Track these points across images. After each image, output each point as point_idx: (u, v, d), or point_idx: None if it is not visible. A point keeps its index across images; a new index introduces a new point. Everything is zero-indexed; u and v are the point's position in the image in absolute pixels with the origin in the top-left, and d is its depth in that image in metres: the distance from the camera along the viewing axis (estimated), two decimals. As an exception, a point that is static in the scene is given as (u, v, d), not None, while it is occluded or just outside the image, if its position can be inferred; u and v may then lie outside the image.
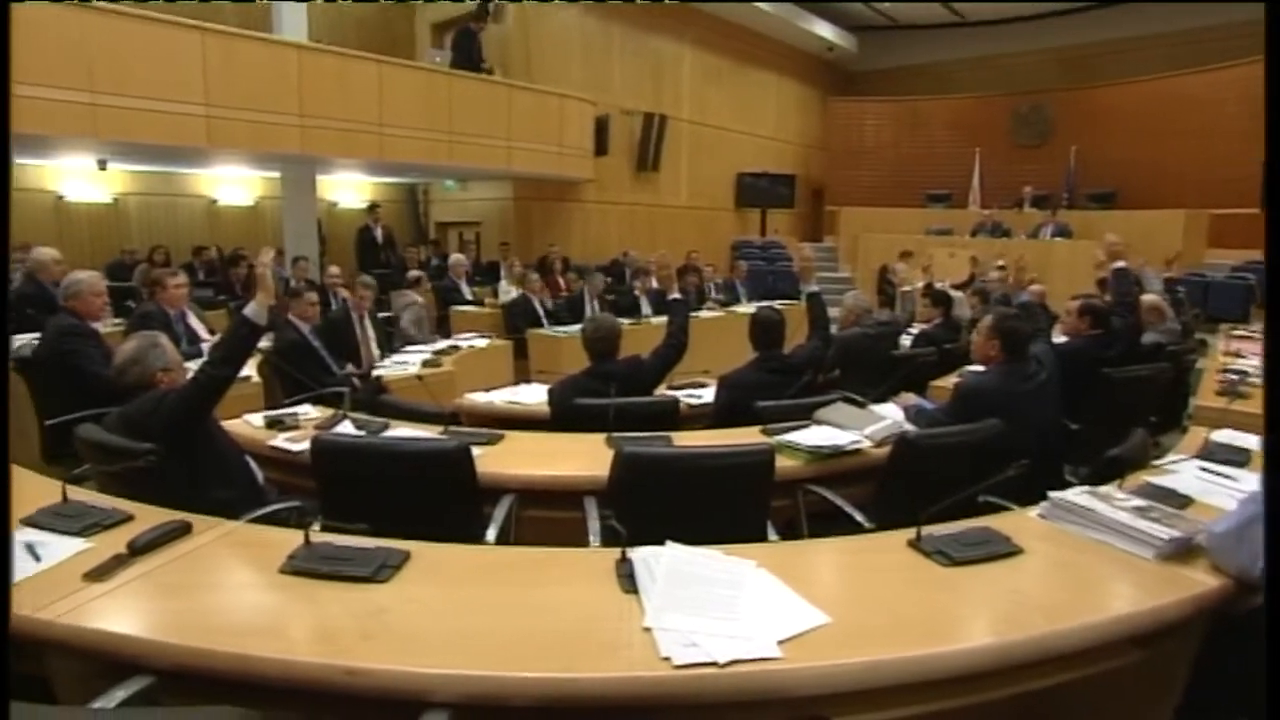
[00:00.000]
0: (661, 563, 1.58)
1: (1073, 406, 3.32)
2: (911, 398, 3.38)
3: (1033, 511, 2.03)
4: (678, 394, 3.49)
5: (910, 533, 1.83)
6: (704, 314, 7.93)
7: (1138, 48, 12.63)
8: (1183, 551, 1.71)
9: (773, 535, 2.32)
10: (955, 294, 6.10)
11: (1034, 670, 1.45)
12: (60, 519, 1.86)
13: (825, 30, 14.18)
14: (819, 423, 2.90)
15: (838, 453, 2.66)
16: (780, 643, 1.38)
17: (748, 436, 2.83)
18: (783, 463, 2.47)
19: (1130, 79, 12.21)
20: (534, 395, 3.60)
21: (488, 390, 3.68)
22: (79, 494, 2.00)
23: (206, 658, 1.34)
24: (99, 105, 6.16)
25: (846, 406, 3.02)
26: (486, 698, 1.28)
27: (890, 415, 3.03)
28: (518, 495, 2.39)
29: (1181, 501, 2.04)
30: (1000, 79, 14.05)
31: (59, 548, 1.73)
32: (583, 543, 2.24)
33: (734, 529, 2.02)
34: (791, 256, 12.64)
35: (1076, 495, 1.96)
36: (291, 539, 1.76)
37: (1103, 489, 2.02)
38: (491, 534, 2.19)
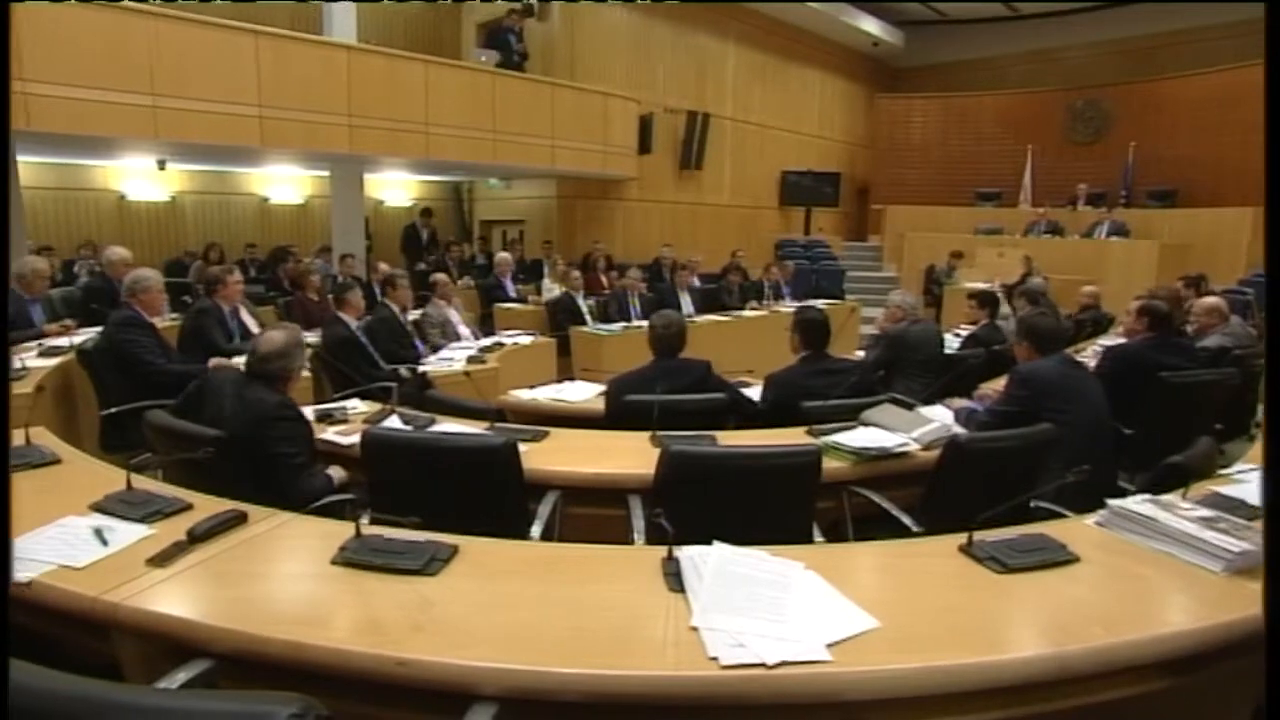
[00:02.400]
0: (709, 562, 1.57)
1: (1126, 410, 3.22)
2: (961, 401, 3.32)
3: (1090, 519, 1.96)
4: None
5: (961, 538, 1.79)
6: (747, 313, 7.89)
7: (1202, 38, 12.16)
8: (1254, 565, 1.64)
9: (818, 537, 2.30)
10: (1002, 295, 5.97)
11: (1093, 683, 1.41)
12: (125, 505, 1.93)
13: (871, 26, 13.98)
14: (866, 424, 2.86)
15: (885, 455, 2.62)
16: (829, 646, 1.36)
17: (793, 437, 2.80)
18: (828, 464, 2.44)
19: (1194, 71, 11.76)
20: (578, 392, 3.62)
21: (532, 387, 3.71)
22: (142, 482, 2.07)
23: (263, 644, 1.38)
24: (159, 107, 6.38)
25: (894, 408, 2.97)
26: (533, 692, 1.29)
27: (938, 418, 2.97)
28: (562, 492, 2.41)
29: (1251, 512, 1.96)
30: (1054, 73, 13.67)
31: (124, 533, 1.79)
32: (626, 540, 2.25)
33: (779, 530, 2.00)
34: (835, 255, 12.51)
35: (1137, 503, 1.89)
36: (342, 530, 1.79)
37: (1165, 498, 1.95)
38: (536, 530, 2.21)
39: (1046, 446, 2.51)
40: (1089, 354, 4.59)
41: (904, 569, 1.76)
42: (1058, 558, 1.71)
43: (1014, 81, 14.11)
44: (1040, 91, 13.52)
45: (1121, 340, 3.78)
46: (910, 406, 3.07)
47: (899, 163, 14.50)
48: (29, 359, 3.92)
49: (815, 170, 13.70)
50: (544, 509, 2.31)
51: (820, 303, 8.23)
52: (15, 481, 2.21)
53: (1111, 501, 1.93)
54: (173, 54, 6.41)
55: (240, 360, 2.69)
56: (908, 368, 4.18)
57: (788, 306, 8.34)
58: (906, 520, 2.40)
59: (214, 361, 3.81)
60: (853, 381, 3.24)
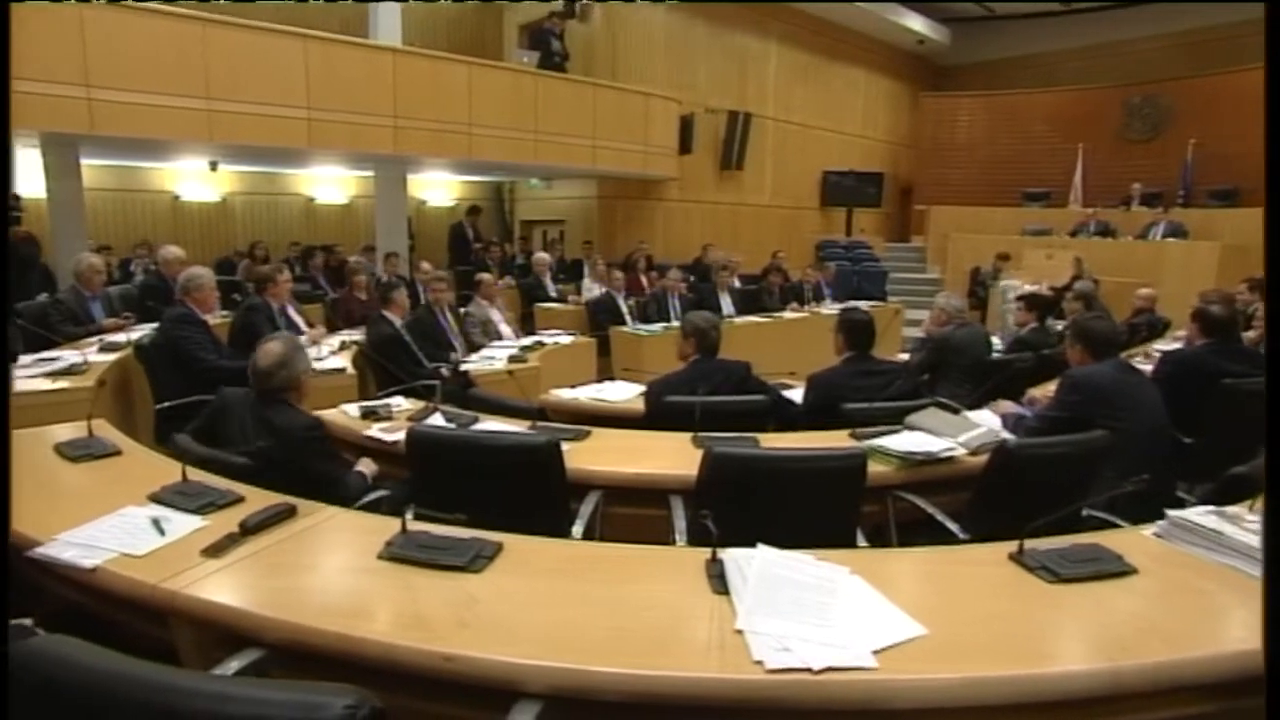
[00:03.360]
0: (753, 565, 1.57)
1: (1185, 418, 3.12)
2: (1009, 405, 3.25)
3: (1147, 530, 1.90)
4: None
5: (1010, 545, 1.75)
6: (787, 315, 7.84)
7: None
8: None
9: (861, 541, 2.27)
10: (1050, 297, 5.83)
11: (1149, 701, 1.36)
12: (181, 497, 1.99)
13: (916, 23, 13.75)
14: (911, 428, 2.82)
15: (931, 460, 2.58)
16: (875, 653, 1.34)
17: (835, 440, 2.78)
18: (872, 468, 2.40)
19: (1259, 64, 11.25)
20: (619, 392, 3.63)
21: (573, 387, 3.73)
22: (196, 474, 2.14)
23: (313, 636, 1.41)
24: (213, 111, 6.58)
25: (940, 412, 2.92)
26: (578, 690, 1.30)
27: (986, 423, 2.92)
28: (604, 491, 2.42)
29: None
30: (1108, 69, 13.27)
31: (180, 524, 1.86)
32: (667, 541, 2.25)
33: (822, 533, 1.98)
34: (877, 257, 12.34)
35: (1200, 515, 1.83)
36: (389, 526, 1.83)
37: (1230, 509, 1.88)
38: (578, 529, 2.22)
39: (1100, 454, 2.44)
40: (1144, 359, 4.45)
41: (951, 576, 1.73)
42: (1113, 569, 1.66)
43: (1065, 78, 13.73)
44: (1093, 88, 13.13)
45: (1180, 345, 3.65)
46: (956, 410, 3.01)
47: (943, 162, 14.25)
48: (90, 354, 4.07)
49: (858, 170, 13.53)
50: (585, 508, 2.32)
51: (862, 304, 8.15)
52: (79, 471, 2.31)
53: (1171, 512, 1.87)
54: (226, 59, 6.61)
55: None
56: (953, 371, 4.10)
57: (829, 308, 8.26)
58: (953, 527, 2.36)
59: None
60: (897, 384, 3.19)
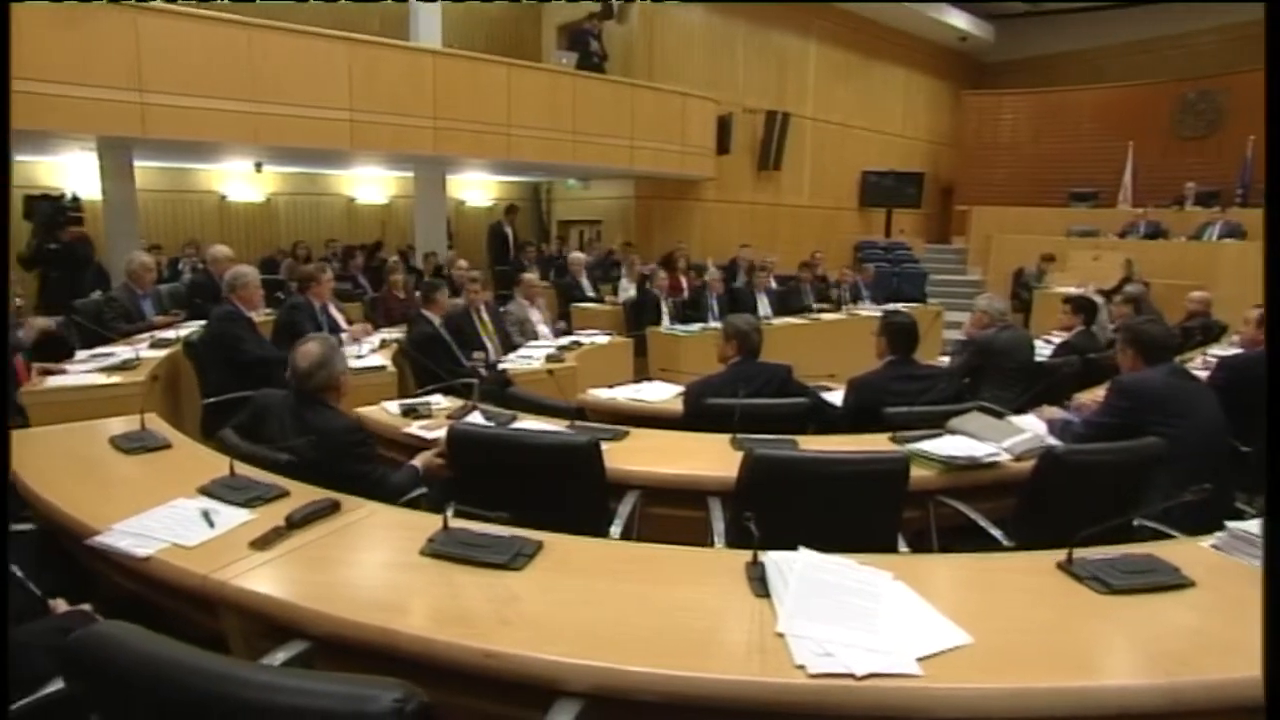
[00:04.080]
0: (794, 568, 1.55)
1: (1244, 426, 3.01)
2: (1055, 411, 3.17)
3: (1204, 542, 1.84)
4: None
5: (1059, 554, 1.71)
6: (825, 316, 7.77)
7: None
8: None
9: (903, 546, 2.24)
10: (1097, 300, 5.67)
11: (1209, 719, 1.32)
12: (229, 490, 2.05)
13: (959, 20, 13.53)
14: (953, 432, 2.77)
15: (974, 465, 2.53)
16: (920, 660, 1.32)
17: (876, 444, 2.74)
18: (914, 472, 2.36)
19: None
20: (656, 393, 3.63)
21: (610, 387, 3.74)
22: (243, 469, 2.19)
23: (357, 629, 1.44)
24: (260, 114, 6.75)
25: (983, 417, 2.87)
26: (618, 690, 1.30)
27: (1031, 428, 2.85)
28: (642, 491, 2.41)
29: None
30: (1160, 64, 12.88)
31: (228, 516, 1.90)
32: (705, 542, 2.25)
33: (863, 538, 1.95)
34: (917, 258, 12.16)
35: (1261, 526, 1.76)
36: (430, 522, 1.85)
37: (1293, 521, 1.80)
38: (616, 529, 2.22)
39: (1153, 462, 2.37)
40: (1199, 364, 4.32)
41: (997, 584, 1.69)
42: (1169, 581, 1.61)
43: (1113, 74, 13.37)
44: (1144, 84, 12.75)
45: (1238, 350, 3.52)
46: (1000, 415, 2.95)
47: (986, 162, 13.98)
48: (141, 350, 4.20)
49: (897, 170, 13.35)
50: (624, 508, 2.32)
51: (901, 306, 8.04)
52: (133, 463, 2.39)
53: (1230, 524, 1.81)
54: (272, 63, 6.77)
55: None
56: (996, 375, 4.02)
57: (868, 310, 8.17)
58: (996, 533, 2.32)
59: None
60: (940, 388, 3.14)
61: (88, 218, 7.35)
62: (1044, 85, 13.83)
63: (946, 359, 4.79)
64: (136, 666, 0.96)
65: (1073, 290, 6.86)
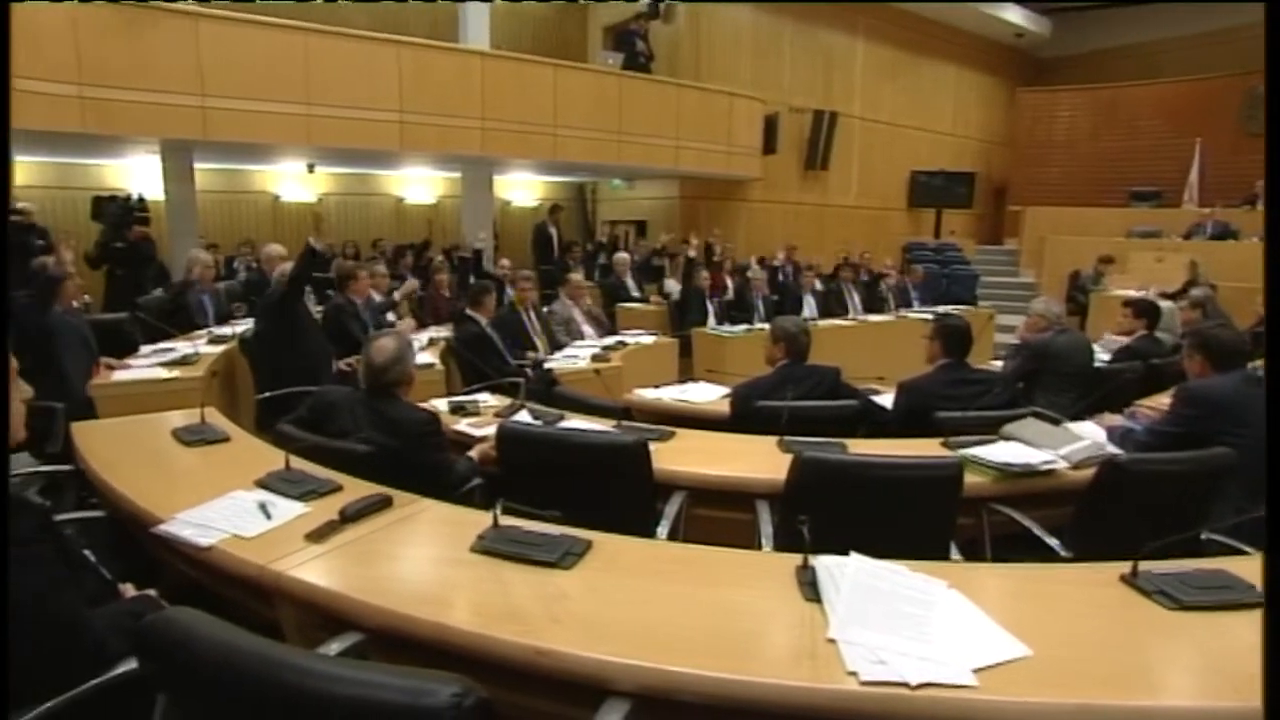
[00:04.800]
0: (846, 573, 1.53)
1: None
2: (1115, 418, 3.07)
3: (1281, 557, 1.76)
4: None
5: (1122, 566, 1.65)
6: (873, 318, 7.67)
7: None
8: None
9: (955, 554, 2.19)
10: (1165, 304, 5.47)
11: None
12: (285, 483, 2.10)
13: (1013, 14, 13.20)
14: (1007, 438, 2.71)
15: (1029, 472, 2.46)
16: (976, 671, 1.29)
17: (927, 448, 2.69)
18: (966, 479, 2.31)
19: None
20: (702, 394, 3.63)
21: (656, 387, 3.74)
22: (297, 463, 2.25)
23: (410, 623, 1.46)
24: (312, 115, 6.94)
25: (1038, 423, 2.79)
26: (668, 691, 1.29)
27: (1089, 435, 2.77)
28: (688, 493, 2.41)
29: None
30: (1227, 56, 12.33)
31: (284, 509, 1.95)
32: (752, 544, 2.23)
33: (915, 544, 1.92)
34: (968, 260, 11.90)
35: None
36: (479, 519, 1.88)
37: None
38: (663, 530, 2.23)
39: (1222, 472, 2.28)
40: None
41: (1056, 595, 1.64)
42: (1244, 599, 1.54)
43: (1176, 68, 12.87)
44: (1210, 77, 12.26)
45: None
46: (1056, 422, 2.87)
47: (1041, 161, 13.60)
48: (200, 345, 4.34)
49: (948, 170, 13.10)
50: (670, 509, 2.32)
51: (951, 309, 7.88)
52: (193, 455, 2.47)
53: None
54: (325, 66, 6.96)
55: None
56: (1052, 380, 3.91)
57: (917, 313, 8.03)
58: (1053, 543, 2.26)
59: None
60: (994, 393, 3.07)
61: (151, 218, 7.62)
62: (1102, 81, 13.40)
63: (999, 363, 4.68)
64: (206, 651, 1.00)
65: (1133, 293, 6.62)
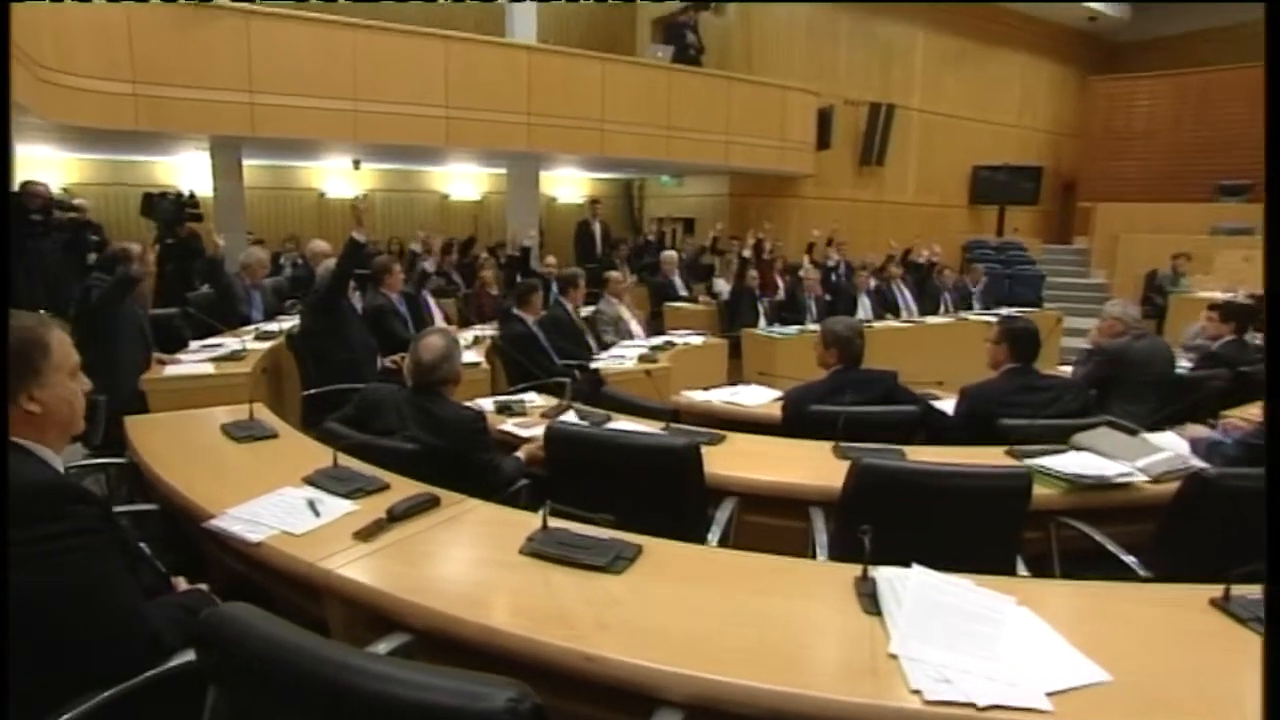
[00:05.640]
0: (908, 586, 1.50)
1: None
2: (1200, 429, 2.95)
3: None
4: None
5: (1212, 589, 1.58)
6: (931, 320, 7.53)
7: None
8: None
9: (1022, 569, 2.14)
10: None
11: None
12: (332, 481, 2.15)
13: (1089, -2, 12.79)
14: (1078, 448, 2.63)
15: (1103, 485, 2.39)
16: (1050, 695, 1.25)
17: (990, 457, 2.63)
18: (1034, 490, 2.25)
19: None
20: (753, 397, 3.61)
21: (705, 389, 3.74)
22: (345, 460, 2.30)
23: (458, 625, 1.48)
24: (359, 111, 7.11)
25: (1113, 433, 2.71)
26: (721, 703, 1.29)
27: (1170, 447, 2.67)
28: (740, 499, 2.40)
29: None
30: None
31: (332, 506, 2.00)
32: (805, 553, 2.22)
33: (979, 557, 1.87)
34: (1033, 259, 11.59)
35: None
36: (528, 521, 1.90)
37: None
38: (714, 536, 2.22)
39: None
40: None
41: (1137, 618, 1.58)
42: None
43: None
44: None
45: None
46: (1132, 432, 2.78)
47: (1115, 153, 13.11)
48: (248, 341, 4.48)
49: (1012, 164, 12.76)
50: (721, 515, 2.32)
51: (1015, 311, 7.69)
52: (242, 451, 2.55)
53: None
54: (372, 62, 7.13)
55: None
56: (1128, 388, 3.78)
57: (977, 315, 7.86)
58: (1129, 560, 2.18)
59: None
60: (1065, 400, 2.98)
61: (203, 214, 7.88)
62: (1186, 66, 12.83)
63: (1067, 369, 4.54)
64: (262, 647, 1.02)
65: (1220, 295, 6.35)
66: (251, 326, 5.12)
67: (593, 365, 4.39)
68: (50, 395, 1.43)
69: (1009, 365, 3.10)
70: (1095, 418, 2.98)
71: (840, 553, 2.09)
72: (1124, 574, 2.16)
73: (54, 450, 1.47)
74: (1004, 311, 7.70)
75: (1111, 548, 2.23)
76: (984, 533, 2.10)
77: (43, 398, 1.41)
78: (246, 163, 8.38)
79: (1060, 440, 2.70)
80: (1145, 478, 2.43)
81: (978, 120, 12.88)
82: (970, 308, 8.45)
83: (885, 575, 1.56)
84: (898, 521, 1.99)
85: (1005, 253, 11.72)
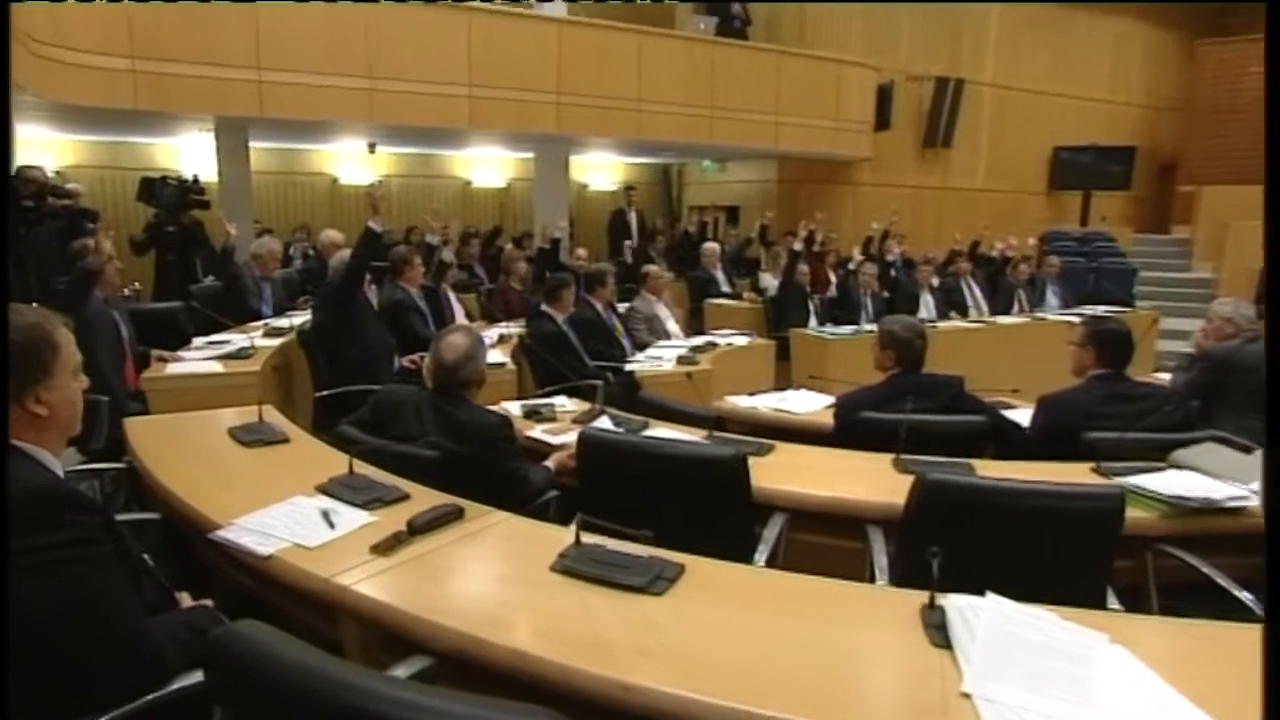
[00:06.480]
0: (983, 617, 1.48)
1: None
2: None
3: None
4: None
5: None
6: (1001, 320, 7.42)
7: None
8: None
9: (1113, 602, 2.09)
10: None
11: None
12: (348, 490, 2.19)
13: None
14: (1179, 466, 2.57)
15: (1210, 509, 2.32)
16: (1151, 748, 1.23)
17: (1072, 474, 2.57)
18: (1127, 513, 2.20)
19: None
20: (803, 403, 3.60)
21: (751, 394, 3.73)
22: (361, 467, 2.33)
23: (485, 648, 1.49)
24: (375, 90, 7.23)
25: (1222, 449, 2.64)
26: (774, 742, 1.28)
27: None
28: (789, 515, 2.40)
29: None
30: None
31: (348, 517, 2.04)
32: (861, 576, 2.20)
33: (1063, 587, 1.83)
34: (1123, 251, 11.33)
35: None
36: (558, 535, 1.91)
37: None
38: (762, 556, 2.22)
39: None
40: None
41: (1256, 664, 1.53)
42: None
43: None
44: None
45: None
46: (1245, 449, 2.70)
47: (1226, 129, 12.59)
48: (256, 338, 4.57)
49: (1100, 144, 12.50)
50: (769, 532, 2.31)
51: (1102, 310, 7.53)
52: (251, 456, 2.60)
53: None
54: (389, 37, 7.23)
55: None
56: (1240, 399, 3.66)
57: (1056, 314, 7.72)
58: (1245, 597, 2.11)
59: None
60: (1164, 412, 2.91)
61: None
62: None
63: (1165, 376, 4.43)
64: (279, 670, 1.04)
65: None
66: (259, 322, 5.22)
67: (627, 367, 4.40)
68: (57, 396, 1.46)
69: (1096, 371, 3.04)
70: (1200, 432, 2.90)
71: (902, 577, 2.07)
72: (1237, 612, 2.09)
73: (53, 454, 1.50)
74: (1087, 311, 7.55)
75: (1222, 581, 2.16)
76: (1069, 560, 2.07)
77: (49, 399, 1.45)
78: (254, 145, 8.52)
79: (1157, 457, 2.64)
80: (1259, 502, 2.37)
81: (1061, 95, 12.63)
82: (1046, 306, 8.29)
83: (956, 604, 1.53)
84: (969, 544, 1.97)
85: (1090, 244, 11.48)
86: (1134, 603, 2.25)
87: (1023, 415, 3.30)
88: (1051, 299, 8.44)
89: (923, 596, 1.60)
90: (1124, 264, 10.77)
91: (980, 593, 1.57)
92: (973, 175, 12.12)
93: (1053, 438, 2.97)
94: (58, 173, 8.08)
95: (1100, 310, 7.53)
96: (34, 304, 3.30)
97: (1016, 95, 12.24)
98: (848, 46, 10.30)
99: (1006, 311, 7.88)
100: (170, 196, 6.34)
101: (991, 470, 2.59)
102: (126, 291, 4.67)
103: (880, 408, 3.04)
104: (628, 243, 8.65)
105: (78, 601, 1.34)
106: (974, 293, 8.00)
